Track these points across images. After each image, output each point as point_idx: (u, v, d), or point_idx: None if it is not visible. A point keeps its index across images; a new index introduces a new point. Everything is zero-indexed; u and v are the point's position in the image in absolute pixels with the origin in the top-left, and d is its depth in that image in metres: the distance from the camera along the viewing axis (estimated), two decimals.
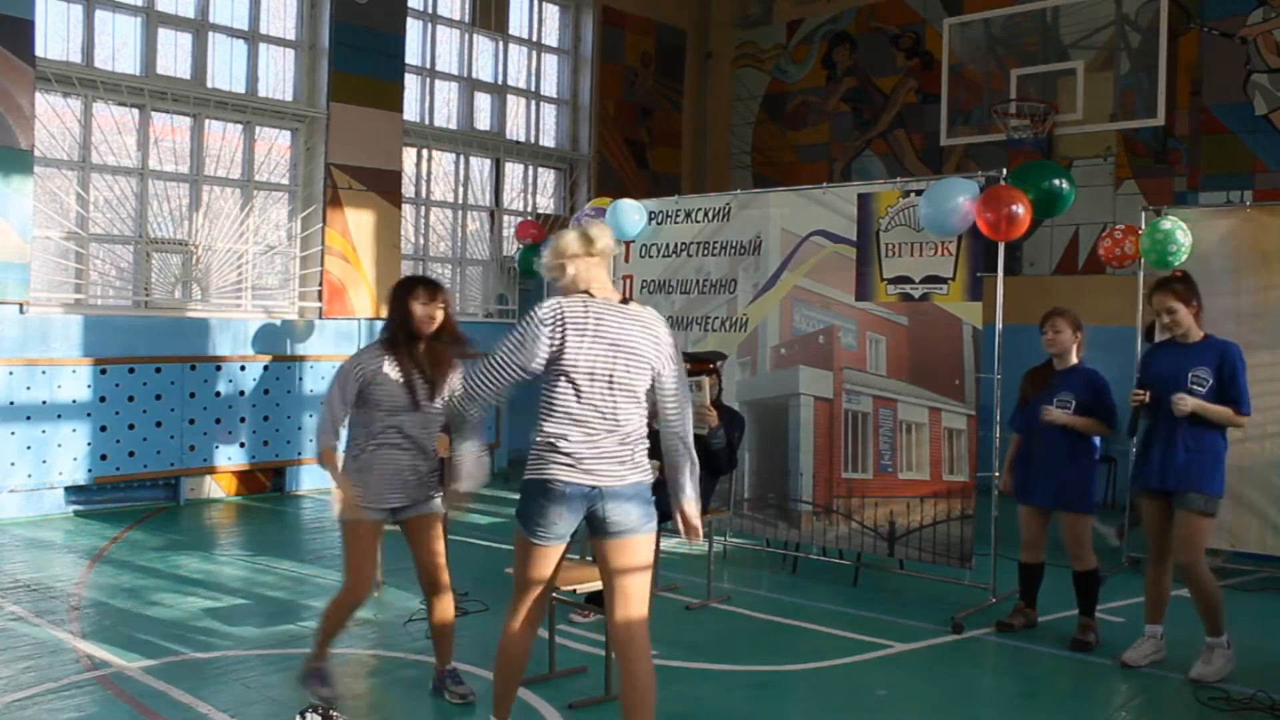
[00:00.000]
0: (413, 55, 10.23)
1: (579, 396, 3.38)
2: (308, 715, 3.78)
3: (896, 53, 11.44)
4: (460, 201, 10.91)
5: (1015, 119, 9.64)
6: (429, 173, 10.59)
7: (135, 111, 8.48)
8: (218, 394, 8.58)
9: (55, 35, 8.07)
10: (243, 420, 8.74)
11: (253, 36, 9.15)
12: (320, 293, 9.32)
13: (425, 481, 4.20)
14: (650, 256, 7.36)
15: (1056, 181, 5.77)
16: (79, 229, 8.13)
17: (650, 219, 7.35)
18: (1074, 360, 5.30)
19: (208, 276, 8.77)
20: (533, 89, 11.64)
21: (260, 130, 9.20)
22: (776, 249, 6.72)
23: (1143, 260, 6.71)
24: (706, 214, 7.11)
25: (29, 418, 7.60)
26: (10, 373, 7.50)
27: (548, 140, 11.86)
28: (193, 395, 8.43)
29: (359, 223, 9.50)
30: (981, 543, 5.90)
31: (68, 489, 7.86)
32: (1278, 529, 6.42)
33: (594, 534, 3.49)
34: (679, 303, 7.19)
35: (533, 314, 3.42)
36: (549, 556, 3.50)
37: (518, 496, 3.53)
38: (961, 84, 10.27)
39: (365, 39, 9.45)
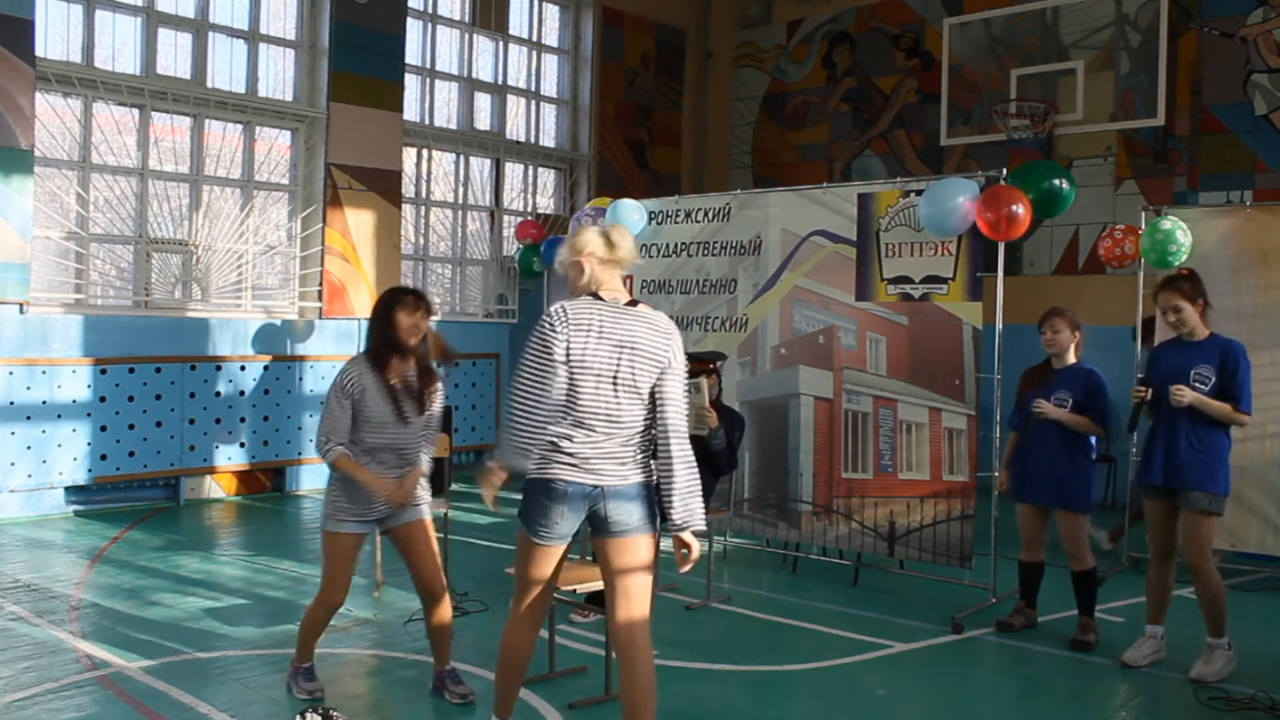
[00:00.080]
0: (413, 55, 10.23)
1: (582, 396, 3.37)
2: (308, 715, 3.78)
3: (896, 53, 11.44)
4: (460, 201, 10.91)
5: (1015, 119, 9.64)
6: (429, 173, 10.59)
7: (135, 111, 8.48)
8: (218, 394, 8.58)
9: (55, 35, 8.07)
10: (243, 420, 8.74)
11: (253, 36, 9.15)
12: (320, 293, 9.32)
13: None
14: (650, 256, 7.36)
15: (1056, 181, 5.77)
16: (79, 229, 8.13)
17: (650, 219, 7.35)
18: (1072, 360, 5.31)
19: (208, 276, 8.77)
20: (533, 89, 11.64)
21: (260, 130, 9.20)
22: (776, 249, 6.72)
23: (1143, 260, 6.72)
24: (706, 214, 7.11)
25: (29, 418, 7.60)
26: (10, 373, 7.50)
27: (548, 140, 11.86)
28: (193, 395, 8.43)
29: (359, 223, 9.49)
30: (981, 543, 5.90)
31: (68, 489, 7.86)
32: (1278, 529, 6.42)
33: (596, 533, 3.49)
34: (679, 303, 7.19)
35: (540, 322, 3.42)
36: (551, 556, 3.50)
37: (519, 497, 3.53)
38: (961, 84, 10.27)
39: (365, 39, 9.45)
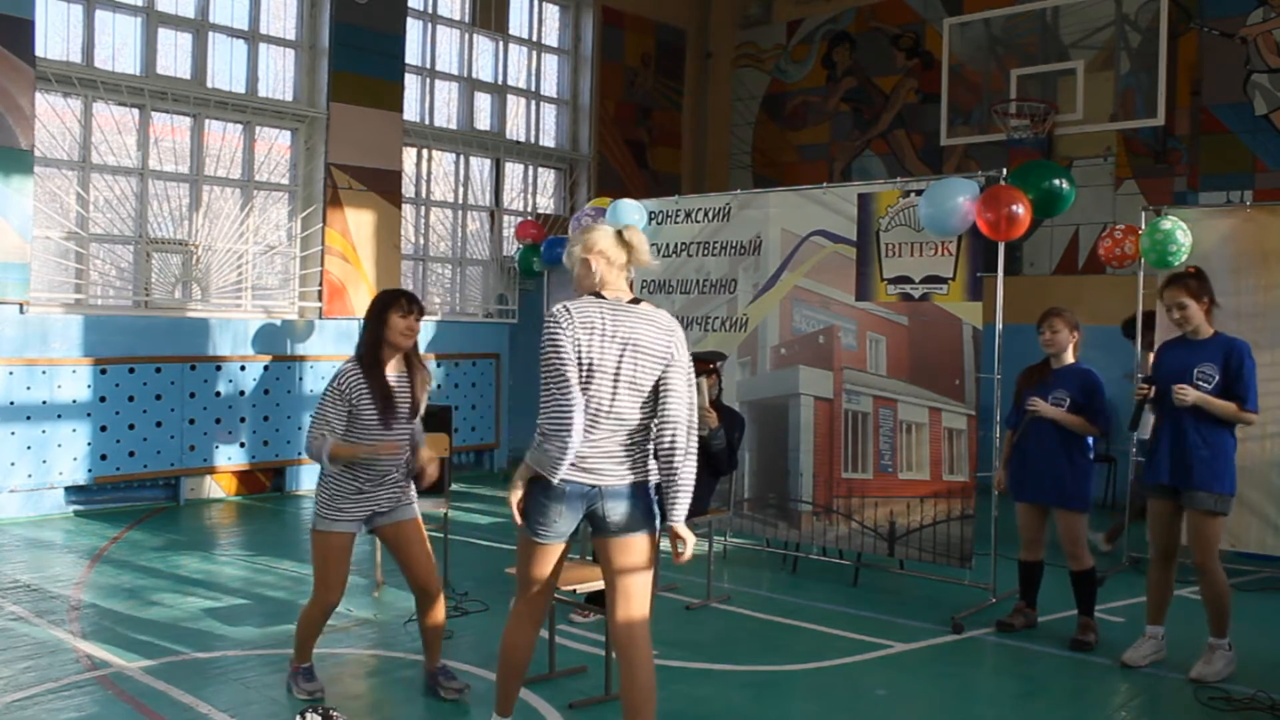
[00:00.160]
0: (413, 55, 10.23)
1: (584, 394, 3.37)
2: (308, 715, 3.78)
3: (896, 53, 11.44)
4: (460, 201, 10.91)
5: (1015, 119, 9.64)
6: (429, 173, 10.59)
7: (135, 111, 8.48)
8: (218, 394, 8.58)
9: (55, 35, 8.07)
10: (243, 420, 8.74)
11: (253, 36, 9.15)
12: (320, 293, 9.32)
13: (398, 484, 4.22)
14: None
15: (1056, 181, 5.77)
16: (79, 229, 8.13)
17: (650, 219, 7.35)
18: (1070, 360, 5.32)
19: (208, 276, 8.77)
20: (533, 89, 11.64)
21: (260, 130, 9.20)
22: (776, 249, 6.72)
23: (1142, 260, 6.71)
24: (706, 214, 7.11)
25: (29, 418, 7.60)
26: (10, 373, 7.50)
27: (548, 140, 11.86)
28: (193, 395, 8.43)
29: (359, 223, 9.50)
30: (981, 543, 5.90)
31: (68, 489, 7.86)
32: (1278, 529, 6.43)
33: (595, 533, 3.49)
34: (679, 303, 7.19)
35: (547, 325, 3.41)
36: (550, 554, 3.51)
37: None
38: (961, 84, 10.27)
39: (365, 39, 9.45)
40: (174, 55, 8.69)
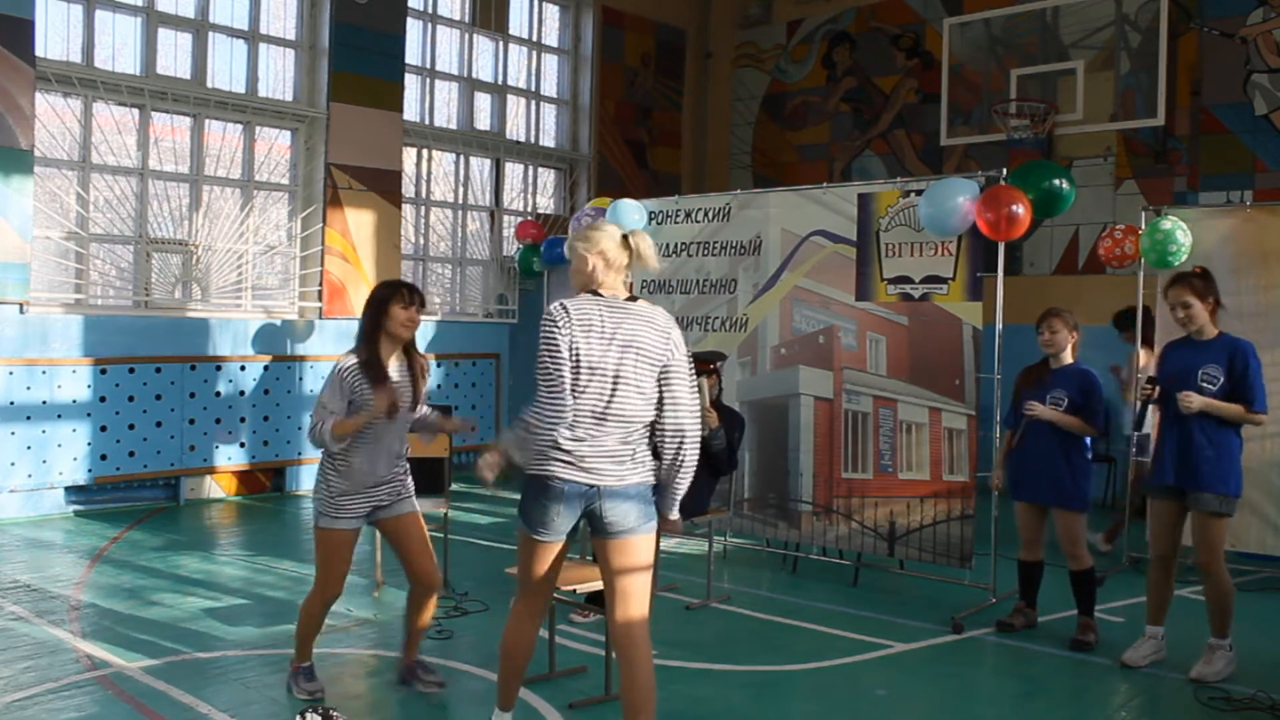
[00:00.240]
0: (413, 55, 10.23)
1: (581, 394, 3.37)
2: (308, 715, 3.78)
3: (896, 53, 11.44)
4: (460, 201, 10.91)
5: (1015, 119, 9.64)
6: (429, 173, 10.59)
7: (135, 111, 8.48)
8: (218, 394, 8.58)
9: (55, 35, 8.07)
10: (243, 420, 8.74)
11: (253, 36, 9.15)
12: (320, 293, 9.32)
13: (399, 479, 4.22)
14: None
15: (1056, 181, 5.77)
16: (79, 229, 8.13)
17: (650, 219, 7.35)
18: (1069, 360, 5.32)
19: (208, 276, 8.77)
20: (533, 89, 11.64)
21: (260, 130, 9.20)
22: (776, 249, 6.72)
23: (1142, 260, 6.71)
24: (706, 214, 7.11)
25: (29, 418, 7.60)
26: (10, 373, 7.50)
27: (548, 140, 11.86)
28: (193, 395, 8.43)
29: (359, 223, 9.50)
30: (981, 543, 5.90)
31: (68, 489, 7.86)
32: (1278, 529, 6.42)
33: (594, 534, 3.50)
34: (679, 303, 7.19)
35: (544, 322, 3.41)
36: (549, 552, 3.53)
37: (519, 496, 3.54)
38: (961, 84, 10.26)
39: (365, 39, 9.45)
40: (174, 55, 8.69)
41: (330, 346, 9.28)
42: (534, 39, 11.66)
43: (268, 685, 4.38)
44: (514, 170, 11.52)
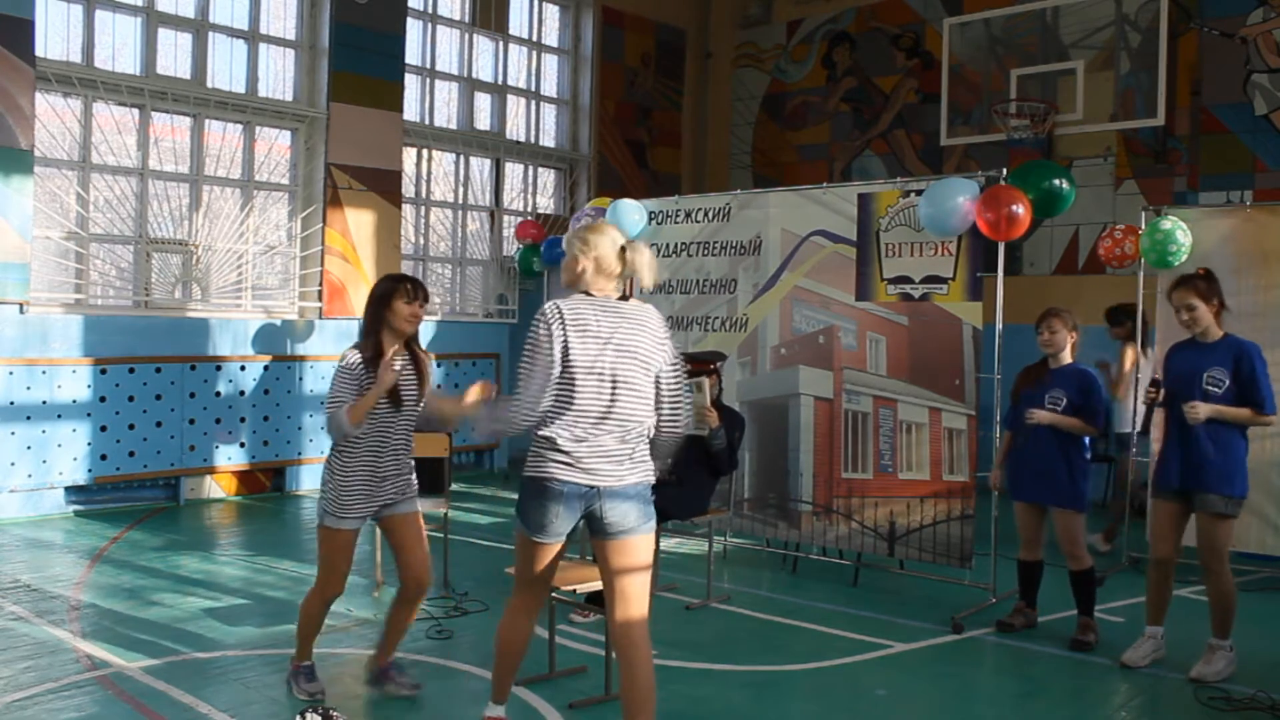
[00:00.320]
0: (413, 55, 10.23)
1: (577, 395, 3.38)
2: (308, 715, 3.78)
3: (896, 53, 11.44)
4: (460, 201, 10.91)
5: (1015, 119, 9.64)
6: (429, 173, 10.59)
7: (135, 111, 8.48)
8: (218, 394, 8.58)
9: (55, 35, 8.07)
10: (243, 420, 8.74)
11: (253, 36, 9.15)
12: (320, 293, 9.32)
13: (403, 477, 4.22)
14: None
15: (1056, 181, 5.77)
16: (79, 229, 8.13)
17: (650, 219, 7.35)
18: (1068, 360, 5.32)
19: (208, 276, 8.77)
20: (533, 89, 11.64)
21: (260, 130, 9.20)
22: (776, 249, 6.72)
23: (1143, 260, 6.71)
24: (706, 214, 7.11)
25: (29, 418, 7.60)
26: (10, 373, 7.50)
27: (548, 140, 11.86)
28: (193, 395, 8.43)
29: (359, 223, 9.50)
30: (981, 543, 5.90)
31: (68, 489, 7.86)
32: (1278, 529, 6.42)
33: (593, 534, 3.50)
34: (679, 303, 7.19)
35: (536, 321, 3.42)
36: (549, 553, 3.54)
37: (518, 495, 3.54)
38: (961, 84, 10.26)
39: (365, 39, 9.45)
40: (174, 55, 8.69)
41: (330, 346, 9.28)
42: (534, 39, 11.66)
43: (268, 685, 4.38)
44: (514, 170, 11.52)
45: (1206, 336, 4.71)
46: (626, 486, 3.42)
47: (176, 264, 8.66)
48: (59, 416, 7.73)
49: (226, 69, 9.05)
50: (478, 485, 9.83)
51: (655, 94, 12.53)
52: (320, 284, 9.32)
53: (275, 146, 9.34)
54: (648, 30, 12.39)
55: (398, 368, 4.08)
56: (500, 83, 11.26)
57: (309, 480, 9.09)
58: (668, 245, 7.27)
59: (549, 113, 11.91)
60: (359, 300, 9.39)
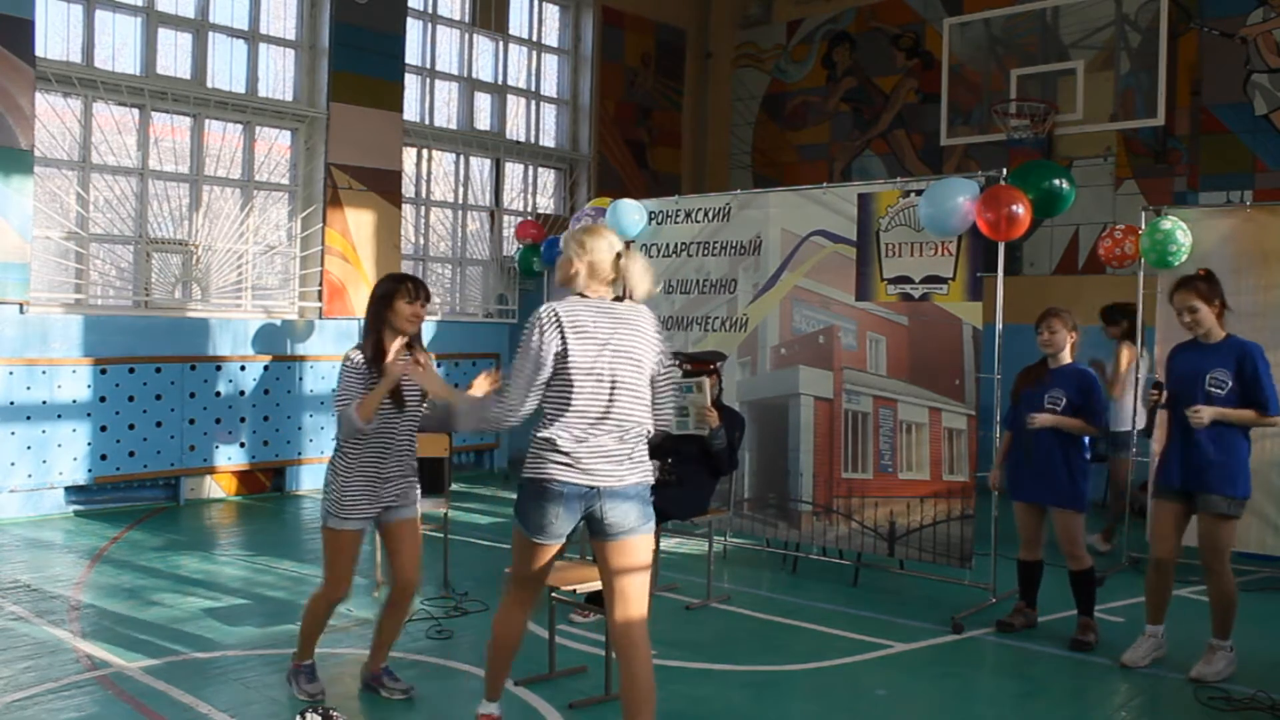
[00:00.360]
0: (413, 55, 10.23)
1: (576, 396, 3.39)
2: (307, 715, 3.78)
3: (896, 53, 11.44)
4: (460, 201, 10.91)
5: (1015, 119, 9.64)
6: (429, 173, 10.59)
7: (135, 111, 8.48)
8: (218, 394, 8.58)
9: (55, 35, 8.07)
10: (243, 420, 8.74)
11: (253, 36, 9.15)
12: (320, 293, 9.32)
13: (406, 480, 4.21)
14: (650, 256, 7.35)
15: (1056, 181, 5.77)
16: (79, 229, 8.13)
17: (650, 219, 7.35)
18: (1068, 360, 5.32)
19: (208, 276, 8.77)
20: (533, 89, 11.64)
21: (260, 130, 9.20)
22: (776, 249, 6.72)
23: (1143, 260, 6.71)
24: (706, 214, 7.11)
25: (29, 418, 7.60)
26: (10, 373, 7.50)
27: (548, 140, 11.86)
28: (193, 395, 8.43)
29: (359, 223, 9.50)
30: (981, 543, 5.90)
31: (68, 489, 7.86)
32: (1278, 529, 6.42)
33: (593, 535, 3.51)
34: (679, 303, 7.19)
35: (531, 322, 3.42)
36: (547, 553, 3.56)
37: (517, 496, 3.54)
38: (961, 84, 10.27)
39: (365, 39, 9.45)
40: (174, 55, 8.69)
41: (330, 346, 9.28)
42: (534, 39, 11.66)
43: (268, 685, 4.38)
44: (514, 170, 11.52)
45: (1209, 338, 4.70)
46: (626, 487, 3.43)
47: (176, 264, 8.66)
48: (59, 416, 7.73)
49: (226, 69, 9.05)
50: (478, 485, 9.83)
51: (655, 94, 12.53)
52: (320, 284, 9.32)
53: (275, 146, 9.34)
54: (648, 30, 12.39)
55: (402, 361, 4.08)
56: (500, 83, 11.26)
57: (309, 480, 9.09)
58: (668, 245, 7.27)
59: (549, 113, 11.91)
60: (359, 300, 9.40)
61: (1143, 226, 6.69)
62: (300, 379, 9.09)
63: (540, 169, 11.80)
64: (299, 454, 9.07)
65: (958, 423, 5.93)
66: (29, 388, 7.59)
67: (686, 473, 5.73)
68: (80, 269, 8.15)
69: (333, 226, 9.31)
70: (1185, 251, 6.40)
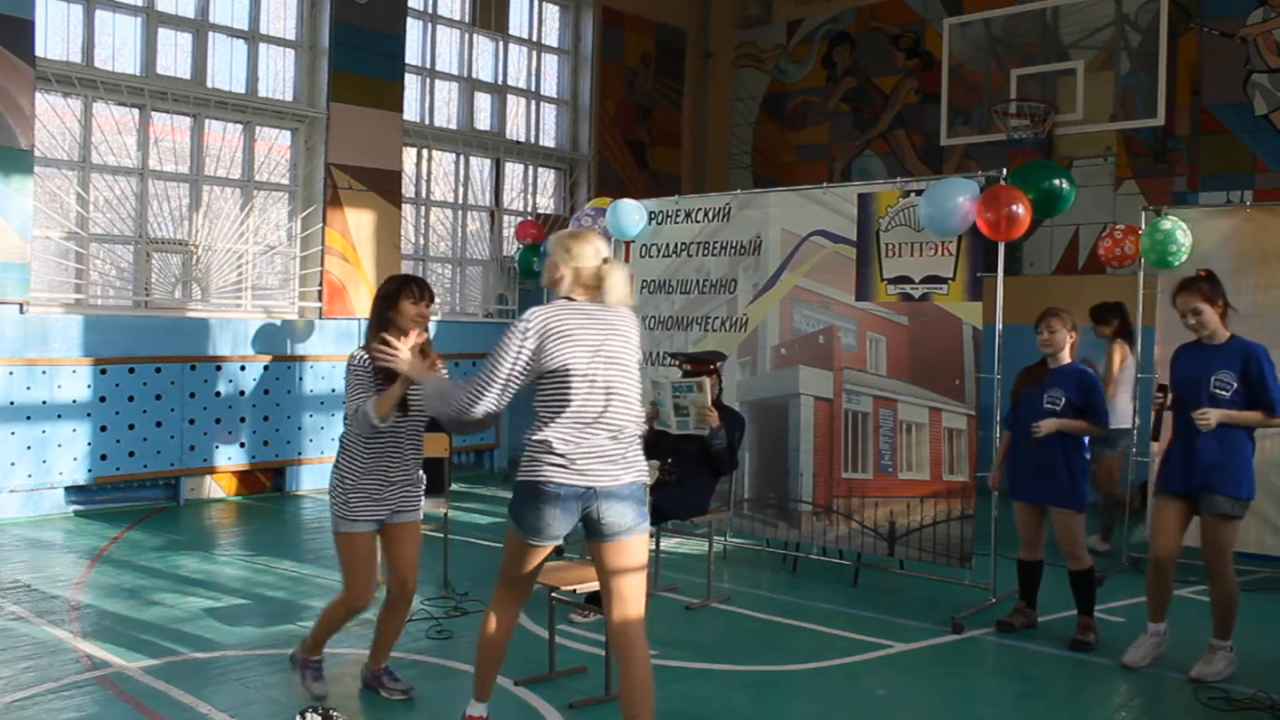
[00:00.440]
0: (413, 55, 10.23)
1: (570, 400, 3.40)
2: (307, 715, 3.78)
3: (896, 53, 11.44)
4: (460, 201, 10.91)
5: (1015, 119, 9.64)
6: (429, 173, 10.59)
7: (135, 111, 8.48)
8: (218, 394, 8.58)
9: (55, 35, 8.07)
10: (243, 420, 8.74)
11: (253, 36, 9.15)
12: (320, 293, 9.32)
13: (411, 483, 4.21)
14: (650, 256, 7.36)
15: (1056, 181, 5.76)
16: (79, 229, 8.13)
17: (650, 219, 7.35)
18: (1067, 360, 5.32)
19: (208, 276, 8.77)
20: (533, 89, 11.64)
21: (260, 130, 9.20)
22: (776, 249, 6.72)
23: (1142, 260, 6.71)
24: (706, 214, 7.11)
25: (29, 418, 7.60)
26: (10, 373, 7.50)
27: (548, 140, 11.86)
28: (193, 395, 8.43)
29: (359, 223, 9.50)
30: (981, 542, 5.90)
31: (68, 489, 7.86)
32: (1278, 529, 6.42)
33: (590, 536, 3.52)
34: (679, 303, 7.19)
35: (516, 324, 3.43)
36: (540, 555, 3.58)
37: (512, 498, 3.54)
38: (961, 84, 10.27)
39: (365, 39, 9.45)
40: (174, 55, 8.69)
41: (330, 347, 9.28)
42: (534, 39, 11.66)
43: (268, 685, 4.38)
44: (514, 170, 11.52)
45: (1214, 338, 4.69)
46: (622, 487, 3.44)
47: (176, 264, 8.66)
48: (59, 416, 7.73)
49: (226, 69, 9.05)
50: (478, 485, 9.84)
51: (655, 94, 12.53)
52: (320, 284, 9.32)
53: (275, 146, 9.34)
54: (648, 30, 12.39)
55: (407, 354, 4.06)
56: (500, 83, 11.26)
57: (309, 480, 9.10)
58: (668, 245, 7.27)
59: (549, 113, 11.91)
60: (359, 300, 9.40)
61: (1143, 226, 6.70)
62: (300, 379, 9.09)
63: (540, 169, 11.80)
64: (299, 454, 9.07)
65: (958, 423, 5.93)
66: (29, 388, 7.59)
67: (686, 473, 5.73)
68: (80, 269, 8.15)
69: (333, 226, 9.31)
70: (1185, 252, 6.40)
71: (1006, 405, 5.55)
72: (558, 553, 6.51)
